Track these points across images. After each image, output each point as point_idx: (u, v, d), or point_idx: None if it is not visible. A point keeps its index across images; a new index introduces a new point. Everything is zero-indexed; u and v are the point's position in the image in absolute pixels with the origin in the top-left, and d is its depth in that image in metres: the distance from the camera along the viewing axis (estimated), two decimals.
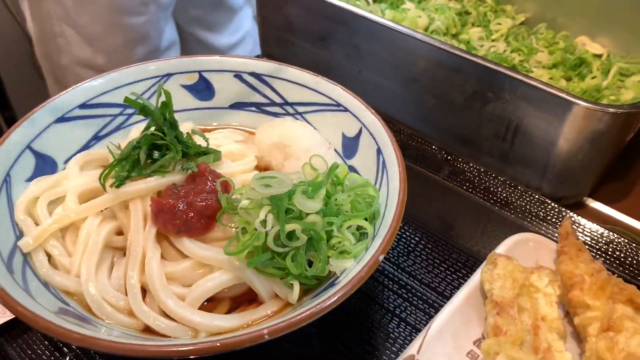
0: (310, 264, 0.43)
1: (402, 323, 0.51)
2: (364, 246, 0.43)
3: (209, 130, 0.59)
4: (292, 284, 0.42)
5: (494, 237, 0.58)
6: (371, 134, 0.52)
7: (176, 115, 0.58)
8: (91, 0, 1.08)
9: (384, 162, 0.49)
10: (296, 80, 0.58)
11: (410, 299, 0.53)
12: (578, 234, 0.59)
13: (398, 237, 0.59)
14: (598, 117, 0.55)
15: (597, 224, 0.60)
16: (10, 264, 0.42)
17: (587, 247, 0.58)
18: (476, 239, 0.59)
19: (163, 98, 0.49)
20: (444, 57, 0.62)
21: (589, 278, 0.48)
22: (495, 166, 0.65)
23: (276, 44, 0.80)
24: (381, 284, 0.55)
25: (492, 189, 0.64)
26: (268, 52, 0.82)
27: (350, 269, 0.41)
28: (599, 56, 0.82)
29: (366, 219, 0.45)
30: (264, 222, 0.40)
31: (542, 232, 0.59)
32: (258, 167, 0.54)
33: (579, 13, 0.84)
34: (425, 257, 0.57)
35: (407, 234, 0.59)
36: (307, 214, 0.42)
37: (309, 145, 0.52)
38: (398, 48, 0.66)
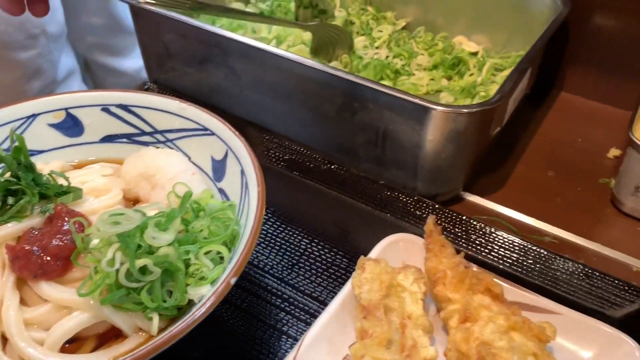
0: (171, 293, 0.43)
1: (283, 336, 0.53)
2: (220, 270, 0.44)
3: (82, 166, 0.58)
4: (151, 317, 0.42)
5: (376, 240, 0.60)
6: (236, 156, 0.53)
7: (47, 155, 0.58)
8: None
9: (246, 183, 0.50)
10: (163, 108, 0.58)
11: (293, 312, 0.55)
12: (455, 227, 0.62)
13: (283, 251, 0.60)
14: (453, 118, 0.58)
15: (472, 216, 0.63)
16: None
17: (464, 238, 0.61)
18: (358, 244, 0.61)
19: (16, 142, 0.49)
20: (311, 73, 0.64)
21: (450, 272, 0.51)
22: (373, 171, 0.67)
23: (160, 71, 0.80)
24: (264, 300, 0.56)
25: (372, 193, 0.66)
26: (154, 78, 0.82)
27: (207, 294, 0.41)
28: (475, 54, 0.87)
29: (226, 242, 0.46)
30: (111, 262, 0.41)
31: (421, 229, 0.61)
32: (127, 199, 0.54)
33: (455, 14, 0.88)
34: (309, 268, 0.59)
35: (293, 246, 0.61)
36: (159, 247, 0.42)
37: (173, 173, 0.53)
38: (269, 67, 0.67)
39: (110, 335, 0.45)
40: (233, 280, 0.41)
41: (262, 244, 0.61)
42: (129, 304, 0.42)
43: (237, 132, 0.54)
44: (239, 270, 0.42)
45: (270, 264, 0.59)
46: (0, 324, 0.43)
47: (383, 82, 0.83)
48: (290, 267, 0.59)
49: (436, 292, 0.51)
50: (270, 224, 0.63)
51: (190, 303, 0.44)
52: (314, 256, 0.60)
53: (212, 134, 0.56)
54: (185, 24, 0.70)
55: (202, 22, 0.78)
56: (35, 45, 1.12)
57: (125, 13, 1.22)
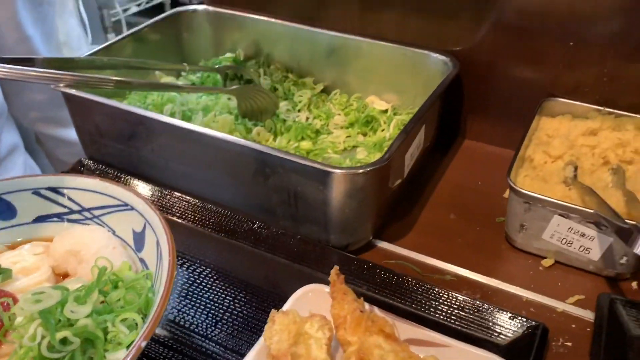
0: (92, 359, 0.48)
1: None
2: (135, 335, 0.49)
3: (16, 247, 0.63)
4: None
5: (294, 291, 0.66)
6: (152, 228, 0.59)
7: None
8: None
9: (160, 253, 0.56)
10: (89, 188, 0.64)
11: None
12: (363, 273, 0.69)
13: (208, 309, 0.66)
14: (350, 178, 0.66)
15: (380, 262, 0.70)
16: None
17: (371, 283, 0.68)
18: (278, 297, 0.67)
19: None
20: (223, 145, 0.71)
21: (350, 317, 0.57)
22: (291, 227, 0.74)
23: (93, 147, 0.86)
24: (190, 357, 0.61)
25: (290, 247, 0.73)
26: (89, 154, 0.88)
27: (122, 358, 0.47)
28: (386, 111, 0.96)
29: (141, 309, 0.52)
30: (32, 337, 0.46)
31: None
32: (57, 275, 0.60)
33: (367, 77, 0.98)
34: (231, 324, 0.64)
35: (217, 304, 0.66)
36: (77, 320, 0.48)
37: (96, 248, 0.59)
38: (188, 141, 0.74)
39: None
40: (143, 344, 0.46)
41: (188, 304, 0.66)
42: None
43: (152, 206, 0.60)
44: (149, 334, 0.47)
45: (196, 322, 0.64)
46: None
47: (304, 142, 0.91)
48: (214, 324, 0.64)
49: (338, 337, 0.57)
50: (197, 284, 0.69)
51: None
52: (237, 312, 0.65)
53: (132, 208, 0.62)
54: (110, 107, 0.77)
55: (127, 104, 0.85)
56: None
57: None
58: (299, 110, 0.97)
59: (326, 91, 1.02)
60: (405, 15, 0.92)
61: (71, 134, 1.46)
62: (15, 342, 0.48)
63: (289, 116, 0.96)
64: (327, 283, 0.63)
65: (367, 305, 0.62)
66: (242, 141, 0.70)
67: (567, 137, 0.78)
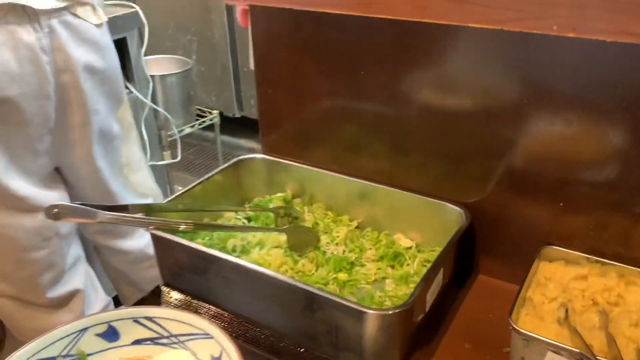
0: None
1: None
2: None
3: None
4: None
5: None
6: (227, 354, 0.76)
7: (92, 357, 0.80)
8: (5, 242, 1.30)
9: None
10: (177, 319, 0.83)
11: None
12: None
13: None
14: (381, 317, 0.83)
15: None
16: None
17: None
18: None
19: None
20: (279, 283, 0.89)
21: None
22: (332, 353, 0.90)
23: (171, 276, 1.06)
24: None
25: None
26: (166, 281, 1.08)
27: None
28: (410, 248, 1.14)
29: None
30: None
31: None
32: None
33: (394, 217, 1.17)
34: None
35: None
36: None
37: None
38: (249, 277, 0.93)
39: None
40: None
41: None
42: None
43: (228, 337, 0.78)
44: None
45: None
46: None
47: (341, 273, 1.09)
48: None
49: None
50: None
51: None
52: None
53: (211, 337, 0.80)
54: (189, 247, 0.97)
55: (199, 240, 1.06)
56: (48, 245, 1.38)
57: (126, 202, 1.49)
58: (336, 244, 1.16)
59: (360, 227, 1.21)
60: (427, 167, 1.13)
61: (126, 244, 1.67)
62: None
63: (328, 248, 1.14)
64: None
65: None
66: (291, 281, 0.89)
67: (560, 281, 0.95)
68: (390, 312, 0.83)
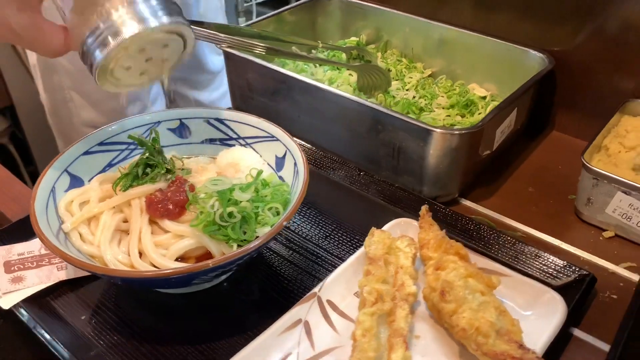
0: (245, 232, 0.68)
1: (315, 279, 0.76)
2: (277, 219, 0.69)
3: (187, 158, 0.85)
4: (232, 245, 0.67)
5: (387, 222, 0.83)
6: (292, 155, 0.78)
7: (164, 149, 0.85)
8: None
9: (297, 171, 0.75)
10: (246, 122, 0.85)
11: (324, 265, 0.78)
12: (447, 219, 0.84)
13: (316, 225, 0.84)
14: (447, 138, 0.82)
15: (462, 215, 0.86)
16: (57, 239, 0.68)
17: (452, 226, 0.83)
18: (374, 224, 0.84)
19: (154, 135, 0.77)
20: (348, 104, 0.89)
21: (433, 240, 0.73)
22: (391, 177, 0.91)
23: (241, 99, 1.08)
24: (303, 256, 0.80)
25: (390, 193, 0.90)
26: (236, 105, 1.10)
27: (267, 232, 0.66)
28: (484, 97, 1.10)
29: (282, 204, 0.71)
30: (212, 207, 0.66)
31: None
32: None
33: (471, 67, 1.12)
34: (338, 239, 0.83)
35: (323, 223, 0.85)
36: (241, 202, 0.68)
37: (250, 163, 0.79)
38: (319, 99, 0.93)
39: (204, 258, 0.70)
40: (285, 223, 0.66)
41: (305, 221, 0.85)
42: (219, 236, 0.67)
43: (294, 138, 0.79)
44: (289, 217, 0.66)
45: (310, 234, 0.83)
46: (140, 243, 0.69)
47: (409, 115, 1.07)
48: (323, 237, 0.83)
49: (422, 254, 0.73)
50: (312, 209, 0.88)
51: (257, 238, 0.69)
52: (340, 232, 0.84)
53: (277, 139, 0.81)
54: (262, 66, 0.98)
55: (274, 65, 1.06)
56: None
57: (205, 56, 1.52)
58: (407, 90, 1.14)
59: (434, 76, 1.18)
60: (512, 17, 1.06)
61: (202, 96, 1.71)
62: (196, 211, 0.69)
63: (398, 94, 1.12)
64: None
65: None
66: (360, 100, 0.88)
67: None
68: (457, 132, 0.81)
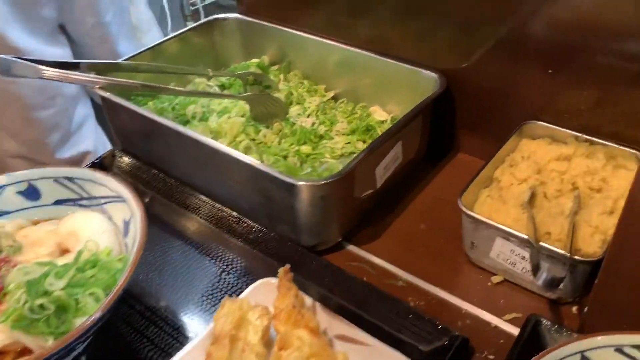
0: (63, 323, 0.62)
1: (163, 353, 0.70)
2: (97, 306, 0.62)
3: (37, 223, 0.79)
4: (47, 339, 0.61)
5: (260, 277, 0.76)
6: (134, 218, 0.71)
7: (14, 214, 0.78)
8: (11, 100, 1.30)
9: (135, 242, 0.69)
10: (96, 180, 0.78)
11: (176, 337, 0.72)
12: (322, 276, 0.77)
13: (178, 290, 0.78)
14: (312, 189, 0.74)
15: (341, 263, 0.79)
16: None
17: (324, 280, 0.76)
18: (242, 282, 0.77)
19: None
20: (210, 151, 0.82)
21: (284, 310, 0.67)
22: (268, 225, 0.84)
23: (122, 139, 1.01)
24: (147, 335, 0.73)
25: (264, 242, 0.83)
26: (121, 145, 1.03)
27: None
28: (384, 122, 1.02)
29: (109, 286, 0.64)
30: (17, 300, 0.60)
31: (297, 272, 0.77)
32: (62, 250, 0.74)
33: (371, 88, 1.04)
34: (200, 304, 0.76)
35: (186, 288, 0.78)
36: (53, 291, 0.61)
37: (90, 233, 0.72)
38: (186, 144, 0.86)
39: (26, 351, 0.63)
40: (98, 314, 0.59)
41: (161, 282, 0.79)
42: (34, 329, 0.61)
43: (138, 202, 0.72)
44: (105, 308, 0.59)
45: (172, 301, 0.77)
46: None
47: (304, 146, 0.99)
48: (187, 304, 0.76)
49: (274, 326, 0.67)
50: (176, 263, 0.81)
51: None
52: (205, 296, 0.77)
53: (125, 201, 0.74)
54: (129, 109, 0.90)
55: (157, 102, 0.99)
56: (53, 104, 1.36)
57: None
58: (308, 115, 1.06)
59: (337, 98, 1.10)
60: (410, 35, 0.97)
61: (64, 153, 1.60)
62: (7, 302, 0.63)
63: (297, 120, 1.05)
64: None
65: (309, 300, 0.71)
66: (222, 147, 0.80)
67: (537, 161, 0.82)
68: (319, 183, 0.74)
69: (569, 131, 0.84)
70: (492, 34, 0.86)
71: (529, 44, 0.83)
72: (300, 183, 0.74)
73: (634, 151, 0.80)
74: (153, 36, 1.67)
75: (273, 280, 0.73)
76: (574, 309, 0.73)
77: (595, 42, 0.78)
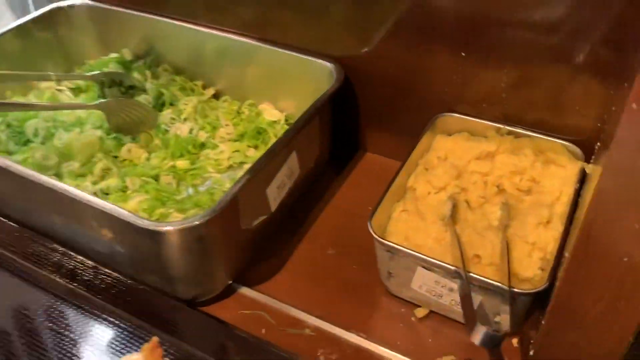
0: None
1: None
2: None
3: None
4: None
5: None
6: None
7: None
8: None
9: None
10: None
11: None
12: (199, 336, 0.61)
13: None
14: (176, 235, 0.57)
15: (223, 323, 0.62)
16: None
17: (207, 342, 0.60)
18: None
19: None
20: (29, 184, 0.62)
21: None
22: (136, 275, 0.66)
23: None
24: None
25: (132, 300, 0.64)
26: None
27: None
28: (277, 122, 0.86)
29: None
30: None
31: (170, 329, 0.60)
32: None
33: (261, 82, 0.87)
34: None
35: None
36: None
37: None
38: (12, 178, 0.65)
39: None
40: None
41: None
42: None
43: None
44: None
45: None
46: None
47: (181, 160, 0.81)
48: None
49: None
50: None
51: None
52: None
53: None
54: None
55: None
56: None
57: None
58: (184, 119, 0.87)
59: (218, 96, 0.92)
60: (296, 14, 0.81)
61: None
62: None
63: (171, 127, 0.86)
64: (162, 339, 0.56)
65: None
66: (53, 183, 0.61)
67: (454, 163, 0.68)
68: (195, 223, 0.56)
69: (489, 122, 0.72)
70: (392, 10, 0.72)
71: (434, 21, 0.69)
72: (166, 229, 0.56)
73: (563, 142, 0.68)
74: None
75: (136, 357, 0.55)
76: (514, 341, 0.61)
77: (506, 14, 0.65)
